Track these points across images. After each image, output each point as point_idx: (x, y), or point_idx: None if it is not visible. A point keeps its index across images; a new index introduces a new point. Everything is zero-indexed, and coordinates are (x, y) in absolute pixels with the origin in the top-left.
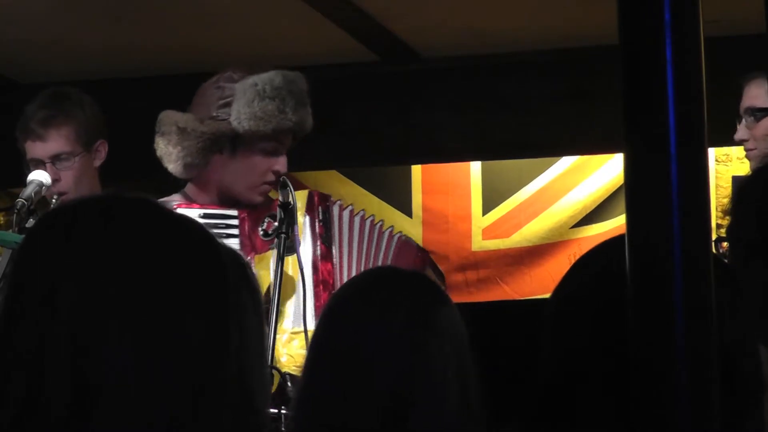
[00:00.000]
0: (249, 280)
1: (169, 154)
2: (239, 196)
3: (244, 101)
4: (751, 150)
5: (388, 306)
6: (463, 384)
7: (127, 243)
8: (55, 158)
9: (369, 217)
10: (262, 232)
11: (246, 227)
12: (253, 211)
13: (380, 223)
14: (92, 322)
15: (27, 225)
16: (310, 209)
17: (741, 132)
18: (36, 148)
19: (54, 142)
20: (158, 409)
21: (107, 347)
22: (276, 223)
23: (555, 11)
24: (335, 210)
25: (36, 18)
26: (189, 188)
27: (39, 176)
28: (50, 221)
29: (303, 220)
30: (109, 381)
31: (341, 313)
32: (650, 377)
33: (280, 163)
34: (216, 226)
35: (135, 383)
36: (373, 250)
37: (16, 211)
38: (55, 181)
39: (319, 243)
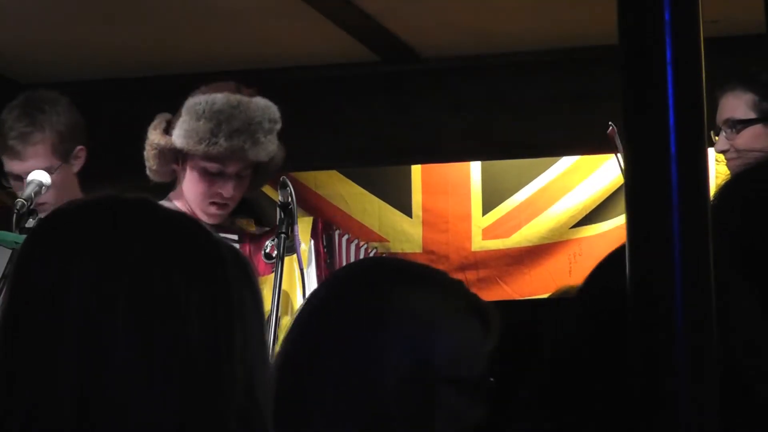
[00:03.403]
0: (249, 276)
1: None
2: (195, 213)
3: (185, 118)
4: (733, 160)
5: (338, 302)
6: (424, 376)
7: (132, 244)
8: None
9: (369, 248)
10: (264, 255)
11: (247, 250)
12: (255, 236)
13: (374, 250)
14: (100, 323)
15: (27, 225)
16: (314, 235)
17: (721, 143)
18: (14, 165)
19: (31, 160)
20: (166, 409)
21: (114, 349)
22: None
23: (555, 11)
24: (336, 239)
25: (36, 18)
26: (175, 196)
27: (39, 176)
28: (55, 224)
29: (309, 245)
30: (116, 383)
31: (300, 317)
32: (649, 381)
33: (225, 188)
34: None
35: (142, 384)
36: None
37: (15, 211)
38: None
39: (323, 266)
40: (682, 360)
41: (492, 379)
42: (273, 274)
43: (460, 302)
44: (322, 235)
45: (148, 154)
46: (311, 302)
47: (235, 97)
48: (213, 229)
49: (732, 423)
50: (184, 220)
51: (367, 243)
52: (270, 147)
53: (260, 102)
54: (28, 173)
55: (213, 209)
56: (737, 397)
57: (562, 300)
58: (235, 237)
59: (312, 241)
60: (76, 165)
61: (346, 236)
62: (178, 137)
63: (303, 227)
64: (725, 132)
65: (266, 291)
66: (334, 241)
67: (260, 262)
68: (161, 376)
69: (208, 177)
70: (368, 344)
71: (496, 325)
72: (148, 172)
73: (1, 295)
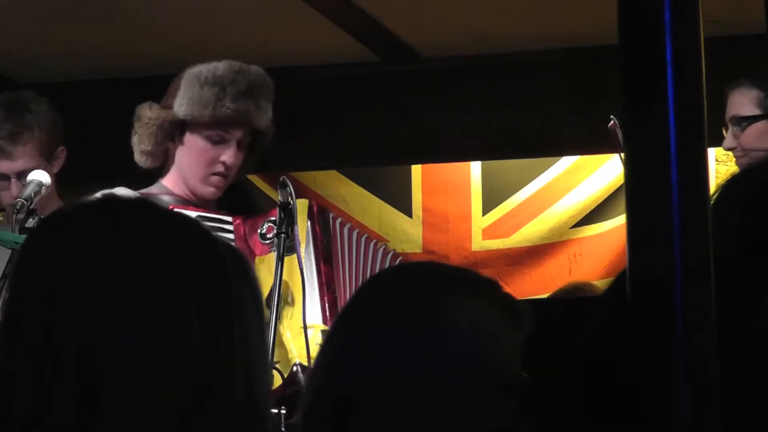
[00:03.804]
0: (248, 275)
1: (133, 144)
2: (193, 190)
3: (187, 87)
4: (740, 158)
5: (382, 309)
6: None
7: (133, 244)
8: (21, 174)
9: (361, 233)
10: (260, 236)
11: (242, 231)
12: (249, 218)
13: (375, 242)
14: (100, 324)
15: (27, 225)
16: (310, 216)
17: (728, 140)
18: (2, 165)
19: (21, 160)
20: (166, 409)
21: (115, 350)
22: (276, 228)
23: (555, 11)
24: (331, 222)
25: (36, 18)
26: (165, 180)
27: (39, 176)
28: (55, 224)
29: (305, 225)
30: (117, 383)
31: (346, 316)
32: (649, 381)
33: (228, 154)
34: (210, 228)
35: (143, 385)
36: (369, 265)
37: (16, 211)
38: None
39: (320, 247)
40: (682, 360)
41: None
42: (271, 253)
43: (499, 305)
44: (318, 217)
45: (143, 133)
46: (352, 312)
47: (236, 63)
48: (206, 208)
49: (732, 423)
50: (184, 220)
51: (358, 228)
52: (269, 114)
53: (258, 69)
54: (16, 173)
55: (215, 179)
56: (739, 397)
57: (578, 301)
58: (229, 219)
59: (308, 222)
60: (56, 165)
61: (339, 220)
62: (180, 106)
63: (299, 208)
64: (732, 129)
65: (264, 271)
66: (329, 223)
67: (256, 242)
68: (161, 377)
69: (210, 145)
70: (417, 351)
71: (527, 324)
72: (138, 157)
73: (1, 295)
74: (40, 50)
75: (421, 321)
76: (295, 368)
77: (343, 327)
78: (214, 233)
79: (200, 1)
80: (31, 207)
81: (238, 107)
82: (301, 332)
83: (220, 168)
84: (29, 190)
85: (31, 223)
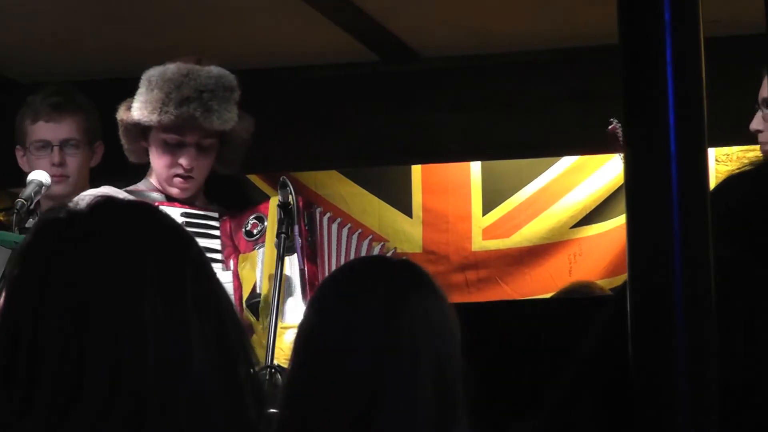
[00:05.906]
0: (191, 249)
1: None
2: (164, 188)
3: (141, 90)
4: (765, 144)
5: (359, 294)
6: (441, 375)
7: (136, 247)
8: (65, 143)
9: (353, 229)
10: (245, 233)
11: (228, 228)
12: (236, 214)
13: (370, 238)
14: (78, 318)
15: (27, 225)
16: (296, 212)
17: (756, 122)
18: (47, 130)
19: (67, 126)
20: (132, 392)
21: (95, 347)
22: (261, 225)
23: (555, 11)
24: (317, 217)
25: (36, 18)
26: (151, 175)
27: (39, 176)
28: (48, 228)
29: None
30: (95, 371)
31: (318, 304)
32: (650, 378)
33: (184, 157)
34: (196, 225)
35: (116, 372)
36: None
37: (16, 211)
38: (60, 164)
39: (305, 245)
40: (682, 359)
41: None
42: (255, 251)
43: (450, 306)
44: (303, 213)
45: (120, 133)
46: (323, 300)
47: (186, 66)
48: (193, 204)
49: (732, 423)
50: (177, 225)
51: (350, 223)
52: (226, 115)
53: (213, 70)
54: (60, 140)
55: (177, 181)
56: (739, 398)
57: (584, 300)
58: (215, 214)
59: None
60: (94, 159)
61: (327, 215)
62: (135, 109)
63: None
64: (763, 112)
65: (247, 269)
66: (315, 219)
67: (241, 239)
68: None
69: (169, 148)
70: (383, 347)
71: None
72: (125, 152)
73: (1, 296)
74: (40, 50)
75: (391, 318)
76: (273, 370)
77: (310, 317)
78: (199, 237)
79: (200, 1)
80: (31, 207)
81: (181, 113)
82: (281, 333)
83: (179, 170)
84: (29, 190)
85: (30, 223)
